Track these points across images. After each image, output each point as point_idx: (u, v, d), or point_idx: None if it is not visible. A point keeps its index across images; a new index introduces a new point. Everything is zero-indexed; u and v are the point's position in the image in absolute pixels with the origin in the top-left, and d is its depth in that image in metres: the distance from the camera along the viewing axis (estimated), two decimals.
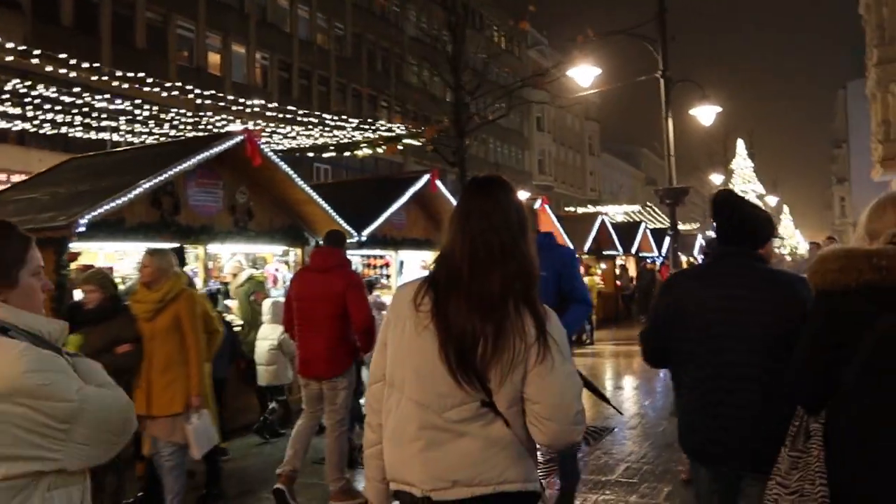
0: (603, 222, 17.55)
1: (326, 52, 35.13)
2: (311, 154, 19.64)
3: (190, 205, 6.45)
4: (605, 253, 18.48)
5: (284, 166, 6.96)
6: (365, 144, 17.25)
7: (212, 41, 28.26)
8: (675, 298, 2.67)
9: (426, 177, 9.51)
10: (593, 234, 16.51)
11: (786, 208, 66.11)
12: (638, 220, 24.76)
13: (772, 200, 36.79)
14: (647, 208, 34.24)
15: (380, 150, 18.51)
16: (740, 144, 35.96)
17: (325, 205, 7.33)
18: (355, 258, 9.02)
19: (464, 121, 11.41)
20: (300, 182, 7.11)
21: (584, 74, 14.76)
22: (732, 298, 2.51)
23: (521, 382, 1.74)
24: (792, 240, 62.66)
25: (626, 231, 20.28)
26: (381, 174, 26.14)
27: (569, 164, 59.65)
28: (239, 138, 6.41)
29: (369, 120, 17.68)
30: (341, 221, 7.52)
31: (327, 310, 4.74)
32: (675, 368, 2.77)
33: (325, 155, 19.88)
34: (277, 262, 8.03)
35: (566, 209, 34.60)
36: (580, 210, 36.83)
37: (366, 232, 8.19)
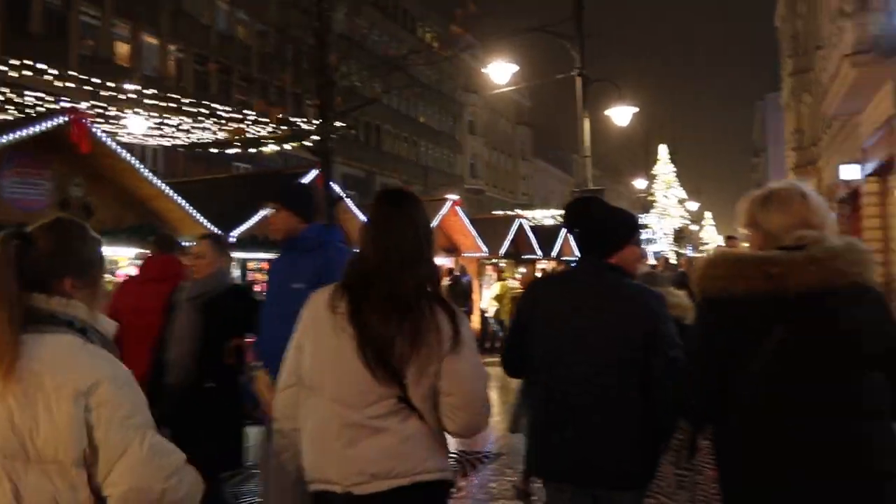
0: (521, 226, 17.08)
1: (248, 47, 33.63)
2: (214, 150, 18.52)
3: (3, 198, 5.44)
4: (523, 257, 18.04)
5: (127, 155, 6.02)
6: (272, 141, 16.22)
7: (119, 30, 26.56)
8: (529, 306, 2.57)
9: (313, 172, 8.68)
10: (510, 237, 16.00)
11: (708, 214, 68.14)
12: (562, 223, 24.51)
13: (692, 206, 37.52)
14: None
15: (287, 147, 17.50)
16: (663, 150, 36.49)
17: (180, 200, 6.44)
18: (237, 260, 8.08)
19: (328, 103, 10.21)
20: (147, 174, 6.20)
21: (500, 71, 14.27)
22: (580, 311, 2.39)
23: (436, 377, 1.85)
24: (714, 244, 64.39)
25: (549, 235, 19.92)
26: (266, 169, 24.77)
27: (501, 169, 59.56)
28: (61, 119, 5.42)
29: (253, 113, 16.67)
30: (203, 220, 6.63)
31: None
32: (526, 381, 2.73)
33: (231, 151, 18.71)
34: (131, 266, 7.05)
35: (494, 213, 34.23)
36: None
37: (237, 232, 7.31)
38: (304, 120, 18.52)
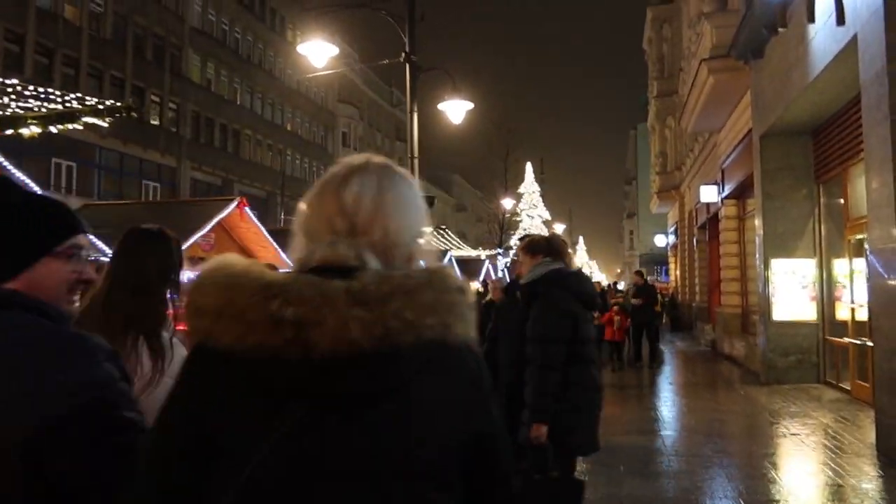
0: None
1: (77, 29, 29.62)
2: None
3: None
4: None
5: None
6: (33, 121, 12.91)
7: None
8: None
9: None
10: None
11: (581, 239, 69.41)
12: None
13: (559, 228, 36.77)
14: (441, 230, 32.62)
15: (54, 130, 14.20)
16: (529, 169, 35.55)
17: None
18: None
19: None
20: None
21: (317, 51, 11.87)
22: None
23: None
24: (583, 269, 65.58)
25: None
26: None
27: None
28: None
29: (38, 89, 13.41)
30: None
31: None
32: None
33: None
34: None
35: None
36: None
37: None
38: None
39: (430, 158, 70.07)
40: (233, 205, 10.21)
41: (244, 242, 11.29)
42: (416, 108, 11.52)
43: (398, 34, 11.41)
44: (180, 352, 1.91)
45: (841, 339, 9.50)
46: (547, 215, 33.93)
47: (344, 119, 52.85)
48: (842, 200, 9.64)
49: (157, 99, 34.30)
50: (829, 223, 10.27)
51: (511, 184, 31.00)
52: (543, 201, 33.86)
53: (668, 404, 9.43)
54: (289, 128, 46.19)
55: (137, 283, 1.93)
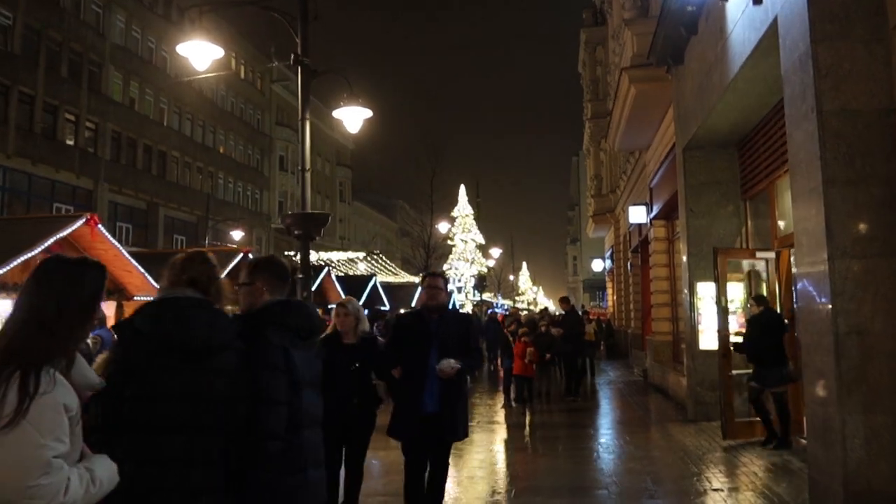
0: (245, 259, 13.18)
1: None
2: None
3: None
4: None
5: None
6: None
7: None
8: None
9: None
10: (225, 273, 12.00)
11: (525, 264, 69.16)
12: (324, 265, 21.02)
13: (496, 252, 35.93)
14: (374, 254, 31.36)
15: None
16: (462, 191, 34.59)
17: None
18: None
19: None
20: None
21: (198, 53, 10.53)
22: None
23: None
24: (526, 294, 65.23)
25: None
26: None
27: (316, 209, 55.76)
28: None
29: None
30: None
31: None
32: None
33: None
34: None
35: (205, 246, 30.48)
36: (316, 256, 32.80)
37: None
38: None
39: (374, 184, 68.95)
40: (79, 222, 8.68)
41: (108, 268, 9.78)
42: (307, 116, 10.29)
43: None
44: (57, 397, 1.76)
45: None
46: (481, 239, 32.94)
47: (281, 142, 51.32)
48: (769, 217, 8.76)
49: (71, 118, 32.23)
50: (757, 242, 9.39)
51: (445, 207, 30.02)
52: (478, 225, 32.95)
53: (575, 454, 8.07)
54: (221, 150, 44.37)
55: (28, 316, 1.87)
